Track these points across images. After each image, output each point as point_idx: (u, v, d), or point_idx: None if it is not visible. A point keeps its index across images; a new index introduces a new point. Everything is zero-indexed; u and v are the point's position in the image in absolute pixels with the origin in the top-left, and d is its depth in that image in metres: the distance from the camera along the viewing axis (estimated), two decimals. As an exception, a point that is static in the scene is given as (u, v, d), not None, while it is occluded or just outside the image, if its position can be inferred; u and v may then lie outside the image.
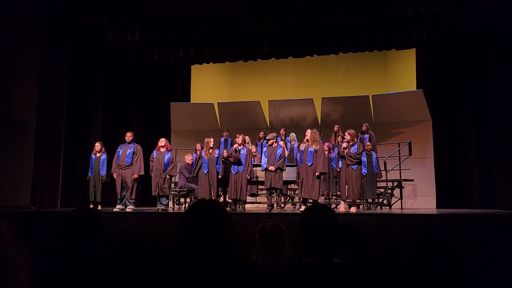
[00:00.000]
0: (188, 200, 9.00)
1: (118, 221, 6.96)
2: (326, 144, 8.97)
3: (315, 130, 7.94)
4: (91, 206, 8.20)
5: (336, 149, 8.56)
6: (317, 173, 7.52)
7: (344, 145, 7.49)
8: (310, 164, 7.55)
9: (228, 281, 1.40)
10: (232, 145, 10.07)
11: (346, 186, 7.43)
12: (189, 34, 9.24)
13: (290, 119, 12.07)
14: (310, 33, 9.19)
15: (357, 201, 7.86)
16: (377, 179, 8.65)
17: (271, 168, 7.84)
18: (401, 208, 9.15)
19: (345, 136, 7.69)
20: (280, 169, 7.88)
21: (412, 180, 9.82)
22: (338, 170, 7.79)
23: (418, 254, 2.22)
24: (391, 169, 9.66)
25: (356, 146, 7.45)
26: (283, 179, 8.01)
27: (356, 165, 7.42)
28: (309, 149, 7.65)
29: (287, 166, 8.20)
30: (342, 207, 7.49)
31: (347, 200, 7.46)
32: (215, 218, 1.45)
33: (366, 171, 8.52)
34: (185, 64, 11.76)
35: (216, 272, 1.39)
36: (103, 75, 10.50)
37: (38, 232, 3.01)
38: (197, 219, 1.45)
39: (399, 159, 9.90)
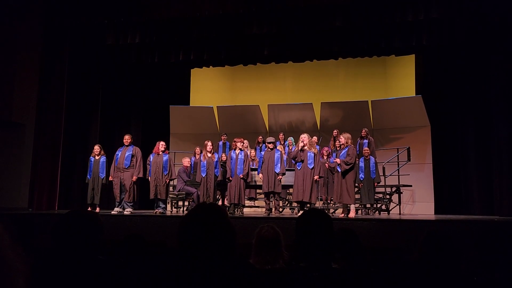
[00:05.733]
0: (186, 203, 8.98)
1: (116, 224, 6.95)
2: (325, 148, 8.98)
3: (308, 135, 7.98)
4: (89, 208, 8.19)
5: (334, 154, 8.57)
6: (316, 177, 7.54)
7: (338, 161, 7.46)
8: (311, 167, 7.56)
9: (226, 284, 1.40)
10: (230, 149, 10.07)
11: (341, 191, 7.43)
12: (189, 38, 9.26)
13: (289, 124, 12.09)
14: (310, 38, 9.21)
15: (355, 205, 7.85)
16: (376, 184, 8.64)
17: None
18: (400, 214, 9.15)
19: (340, 139, 7.71)
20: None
21: (411, 186, 9.82)
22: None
23: (423, 257, 2.21)
24: (390, 175, 9.66)
25: (347, 149, 7.44)
26: (282, 183, 8.01)
27: (341, 169, 7.42)
28: (309, 153, 7.65)
29: (286, 170, 8.20)
30: (352, 213, 7.47)
31: (344, 204, 7.46)
32: (215, 222, 1.45)
33: (363, 176, 8.52)
34: (185, 67, 11.77)
35: (215, 275, 1.39)
36: (103, 78, 10.50)
37: (36, 234, 3.00)
38: (197, 222, 1.45)
39: (398, 164, 9.90)
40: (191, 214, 1.49)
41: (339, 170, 7.38)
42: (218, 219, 1.45)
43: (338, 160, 7.40)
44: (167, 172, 8.22)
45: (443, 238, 2.22)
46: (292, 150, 9.39)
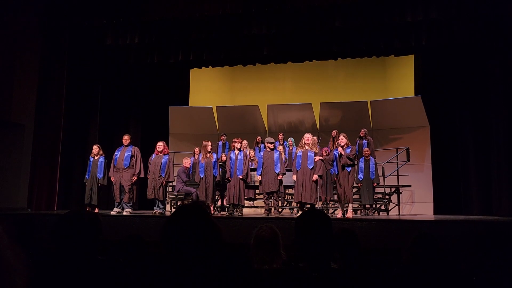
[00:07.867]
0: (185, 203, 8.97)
1: (115, 224, 6.94)
2: (324, 149, 8.98)
3: (311, 135, 7.98)
4: (88, 209, 8.17)
5: (336, 151, 8.55)
6: (314, 177, 7.52)
7: (339, 150, 7.43)
8: (311, 167, 7.53)
9: (224, 284, 1.40)
10: (229, 149, 10.05)
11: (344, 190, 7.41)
12: (188, 38, 9.25)
13: (289, 124, 12.08)
14: (310, 39, 9.21)
15: (353, 205, 7.85)
16: (375, 184, 8.64)
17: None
18: (399, 214, 9.15)
19: (340, 140, 7.68)
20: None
21: (410, 186, 9.83)
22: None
23: (413, 260, 2.22)
24: (389, 175, 9.66)
25: (350, 149, 7.43)
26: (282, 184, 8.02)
27: (350, 168, 7.39)
28: (309, 153, 7.63)
29: (286, 170, 8.20)
30: (350, 212, 7.45)
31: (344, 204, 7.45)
32: (196, 222, 1.44)
33: (362, 177, 8.51)
34: (184, 67, 11.76)
35: (203, 276, 1.38)
36: (102, 78, 10.49)
37: (35, 235, 3.00)
38: (177, 224, 1.45)
39: (397, 165, 9.91)
40: (172, 217, 1.49)
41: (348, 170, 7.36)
42: (199, 219, 1.45)
43: (341, 151, 7.34)
44: (164, 173, 8.15)
45: (431, 240, 2.23)
46: (293, 151, 9.38)
